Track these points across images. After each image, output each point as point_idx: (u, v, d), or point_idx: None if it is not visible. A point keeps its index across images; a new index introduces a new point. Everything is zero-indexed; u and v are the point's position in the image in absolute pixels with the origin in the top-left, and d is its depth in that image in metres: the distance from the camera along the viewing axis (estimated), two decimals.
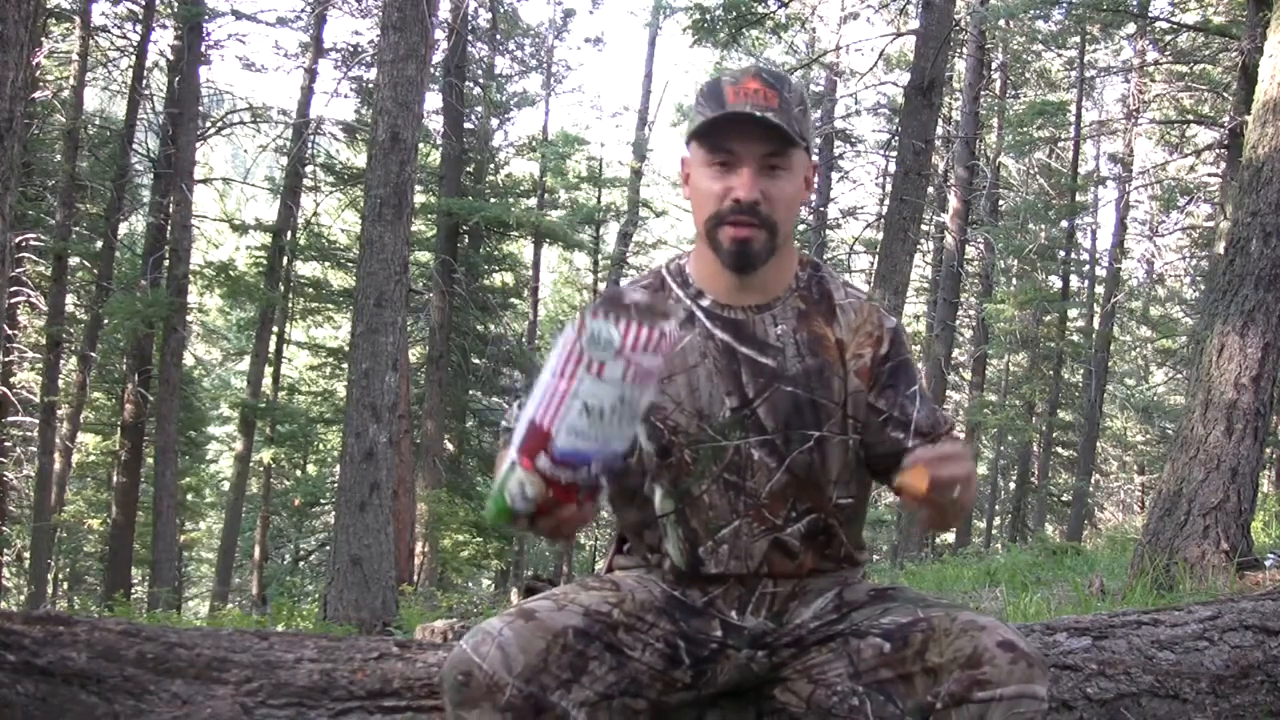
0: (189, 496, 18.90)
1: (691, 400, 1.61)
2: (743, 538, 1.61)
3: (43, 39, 13.88)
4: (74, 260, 15.34)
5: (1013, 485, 21.41)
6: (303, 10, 16.47)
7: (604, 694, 1.51)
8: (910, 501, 1.44)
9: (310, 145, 16.23)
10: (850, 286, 1.70)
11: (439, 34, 13.58)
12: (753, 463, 1.61)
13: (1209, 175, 15.66)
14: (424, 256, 17.34)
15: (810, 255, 1.74)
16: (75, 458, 16.52)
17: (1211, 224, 15.96)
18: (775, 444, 1.60)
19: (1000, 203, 20.00)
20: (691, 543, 1.63)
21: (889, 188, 14.27)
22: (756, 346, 1.62)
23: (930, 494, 1.40)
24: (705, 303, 1.64)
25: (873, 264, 16.92)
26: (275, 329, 17.11)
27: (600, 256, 20.97)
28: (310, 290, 17.95)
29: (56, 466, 14.77)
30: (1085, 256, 19.79)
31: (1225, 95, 13.71)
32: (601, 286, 21.04)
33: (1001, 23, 16.29)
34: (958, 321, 18.60)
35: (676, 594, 1.64)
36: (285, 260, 16.38)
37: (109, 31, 15.59)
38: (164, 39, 15.01)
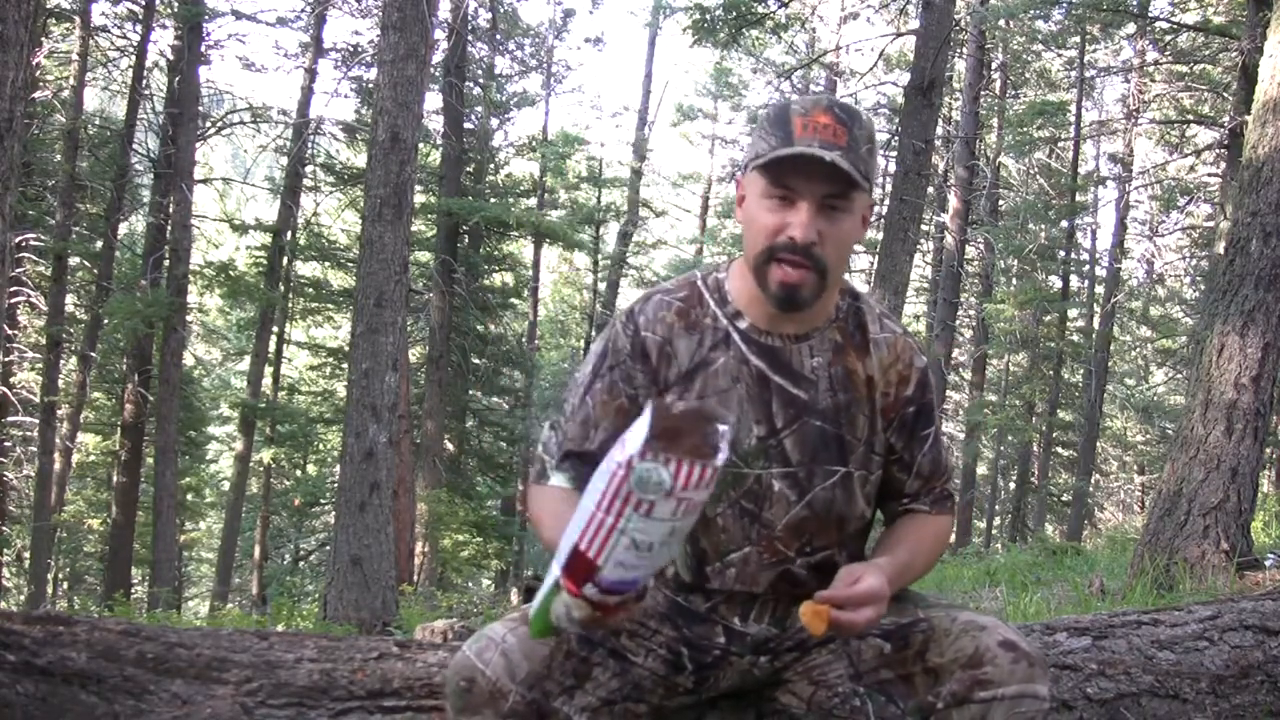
0: (189, 496, 18.90)
1: None
2: (751, 564, 1.61)
3: (43, 39, 13.87)
4: (74, 260, 15.34)
5: (1013, 485, 21.41)
6: (303, 10, 16.47)
7: (606, 699, 1.51)
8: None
9: (310, 145, 16.23)
10: (886, 319, 1.67)
11: (439, 34, 13.57)
12: (772, 493, 1.59)
13: (1209, 175, 15.65)
14: (424, 256, 17.34)
15: (851, 284, 1.69)
16: (75, 458, 16.52)
17: (1211, 224, 15.96)
18: (798, 477, 1.59)
19: (1000, 203, 20.00)
20: (699, 560, 1.62)
21: (889, 188, 14.26)
22: (791, 377, 1.59)
23: (825, 634, 1.43)
24: (743, 325, 1.61)
25: (873, 264, 16.92)
26: (275, 329, 17.11)
27: (600, 256, 20.97)
28: (310, 290, 17.94)
29: (56, 466, 14.76)
30: (1085, 256, 19.79)
31: (1225, 95, 13.71)
32: (602, 286, 21.04)
33: (1001, 23, 16.29)
34: (958, 321, 18.60)
35: (679, 600, 1.64)
36: (285, 260, 16.38)
37: (109, 31, 15.59)
38: (164, 39, 15.01)
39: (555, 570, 1.30)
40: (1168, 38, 15.54)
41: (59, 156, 14.66)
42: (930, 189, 15.09)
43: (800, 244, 1.48)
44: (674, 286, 1.68)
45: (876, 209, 21.47)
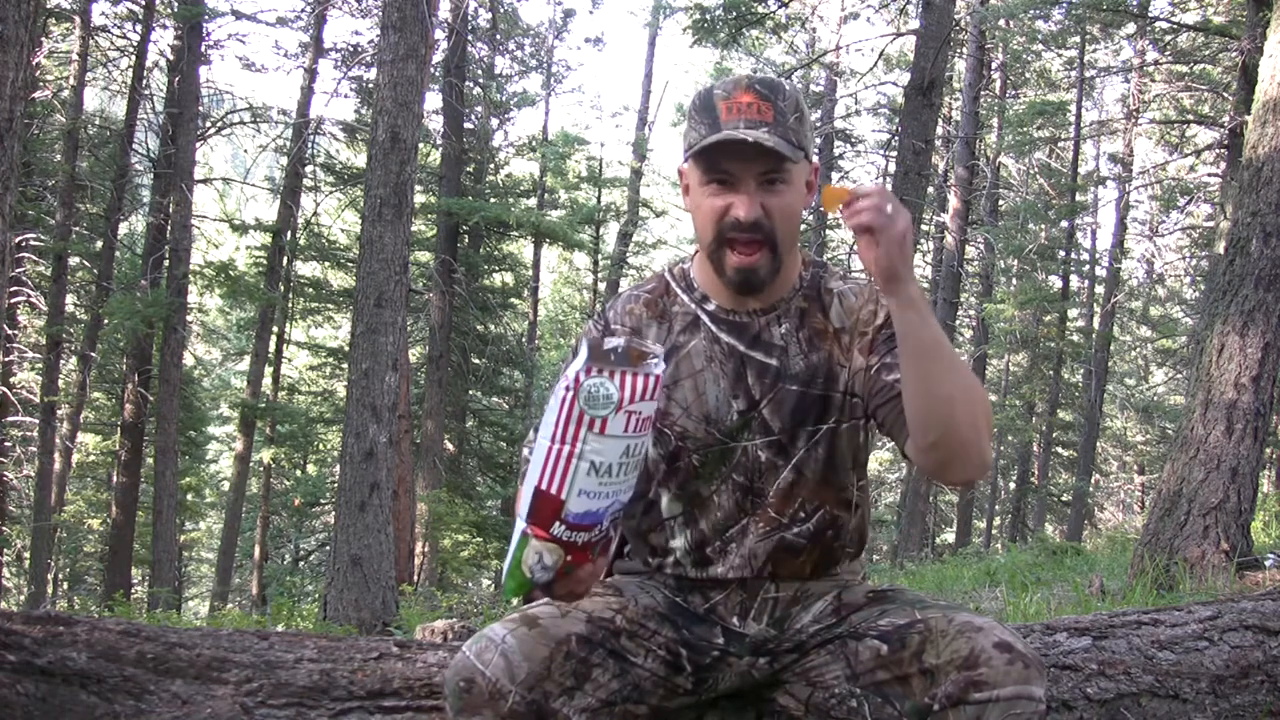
0: (189, 496, 18.89)
1: (699, 405, 1.61)
2: (749, 537, 1.62)
3: (43, 39, 13.87)
4: (74, 260, 15.34)
5: (1013, 485, 21.42)
6: (303, 10, 16.46)
7: (607, 701, 1.52)
8: (836, 212, 1.39)
9: (310, 145, 16.22)
10: (851, 276, 1.69)
11: (439, 34, 13.57)
12: (760, 463, 1.61)
13: (1209, 175, 15.66)
14: (424, 256, 17.35)
15: (813, 256, 1.72)
16: (75, 458, 16.52)
17: (1211, 224, 15.96)
18: (782, 443, 1.60)
19: (1000, 203, 20.01)
20: (699, 543, 1.64)
21: (889, 188, 14.23)
22: (761, 348, 1.62)
23: (852, 205, 1.35)
24: (710, 307, 1.64)
25: None
26: (275, 329, 17.10)
27: (600, 256, 20.98)
28: (310, 290, 17.95)
29: (56, 466, 14.76)
30: (1085, 256, 19.81)
31: (1225, 95, 13.71)
32: (602, 286, 21.05)
33: (1001, 23, 16.29)
34: (958, 321, 18.60)
35: (678, 600, 1.65)
36: (285, 260, 16.37)
37: (109, 31, 15.59)
38: (164, 39, 15.01)
39: (520, 524, 1.31)
40: (1168, 38, 15.55)
41: (59, 156, 14.65)
42: (930, 189, 15.09)
43: (746, 221, 1.51)
44: (645, 281, 1.73)
45: None
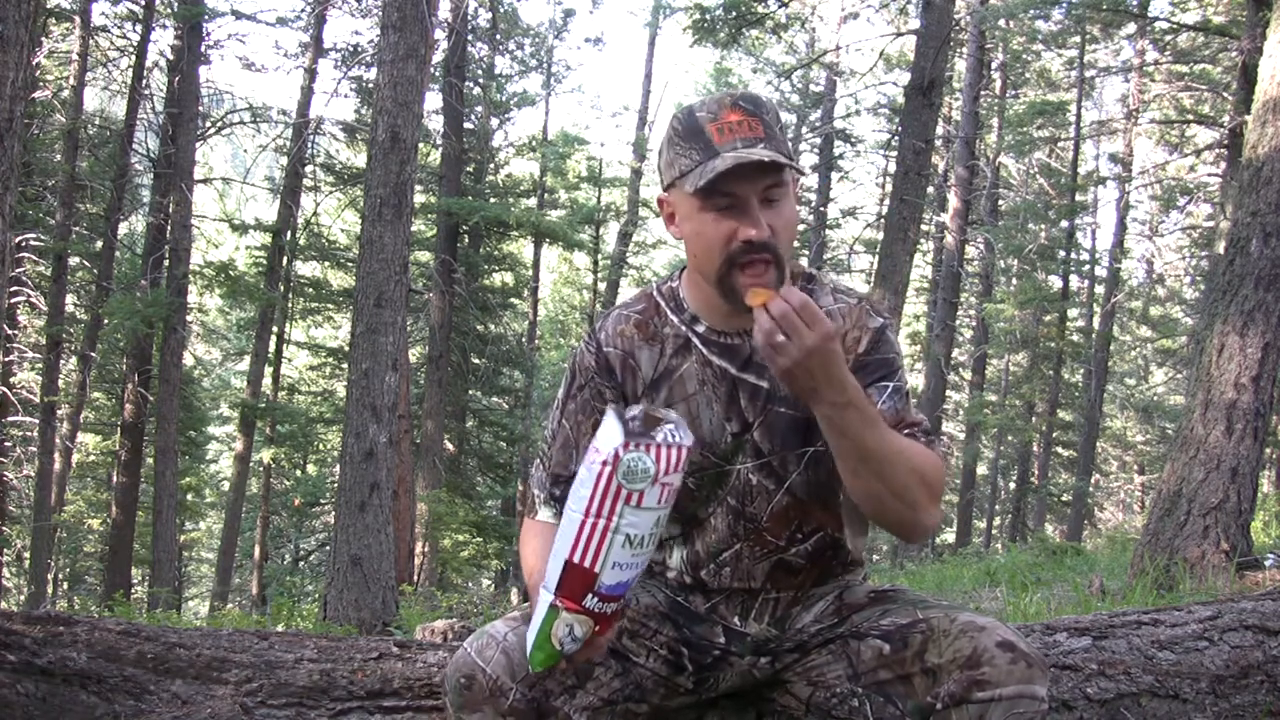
0: (189, 496, 18.89)
1: (693, 429, 1.58)
2: (744, 560, 1.62)
3: (43, 39, 13.86)
4: (74, 260, 15.34)
5: (1013, 485, 21.42)
6: (303, 10, 16.47)
7: (608, 699, 1.52)
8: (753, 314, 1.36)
9: (310, 145, 16.22)
10: (840, 292, 1.65)
11: (439, 34, 13.57)
12: (751, 487, 1.60)
13: (1209, 175, 15.66)
14: (424, 256, 17.35)
15: (804, 266, 1.68)
16: (75, 458, 16.52)
17: (1211, 224, 15.97)
18: (772, 466, 1.59)
19: (1000, 203, 20.01)
20: (694, 564, 1.63)
21: (889, 188, 14.27)
22: (753, 370, 1.60)
23: (763, 309, 1.33)
24: (700, 329, 1.62)
25: (873, 264, 16.92)
26: (275, 329, 17.10)
27: (600, 256, 20.97)
28: (310, 290, 17.95)
29: (56, 466, 14.76)
30: (1085, 256, 19.81)
31: (1225, 95, 13.71)
32: (602, 286, 21.07)
33: (1001, 23, 16.30)
34: (958, 321, 18.61)
35: (680, 599, 1.65)
36: (285, 260, 16.37)
37: (109, 31, 15.58)
38: (164, 39, 15.01)
39: (547, 596, 1.31)
40: (1168, 38, 15.54)
41: (59, 156, 14.65)
42: (930, 189, 15.11)
43: (759, 243, 1.47)
44: (632, 300, 1.70)
45: (877, 209, 21.47)
